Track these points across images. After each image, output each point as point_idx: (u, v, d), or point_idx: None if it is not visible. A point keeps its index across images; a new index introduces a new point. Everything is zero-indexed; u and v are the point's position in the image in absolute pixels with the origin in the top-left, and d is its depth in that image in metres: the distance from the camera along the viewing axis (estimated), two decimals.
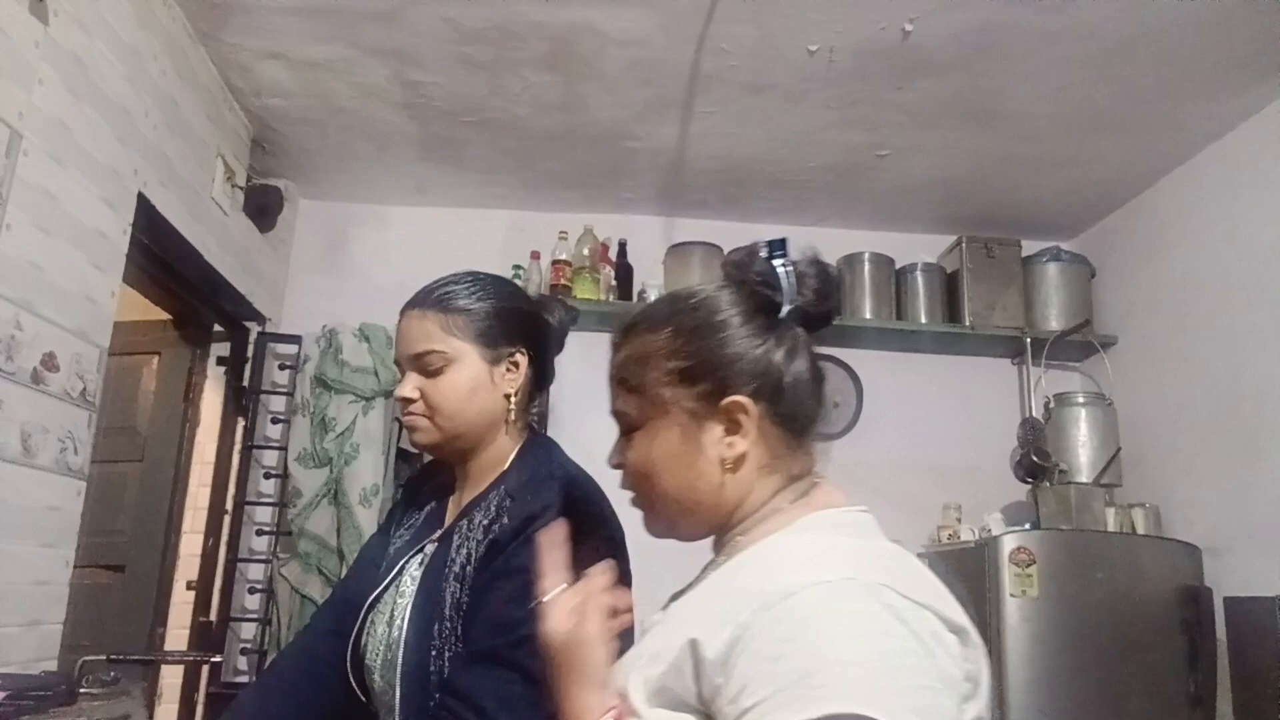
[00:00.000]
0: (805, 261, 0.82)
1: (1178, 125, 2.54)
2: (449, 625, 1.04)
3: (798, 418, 0.81)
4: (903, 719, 0.58)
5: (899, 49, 2.22)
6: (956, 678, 0.64)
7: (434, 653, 1.04)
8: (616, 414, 0.85)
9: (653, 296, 3.04)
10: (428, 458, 1.31)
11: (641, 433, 0.82)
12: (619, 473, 0.86)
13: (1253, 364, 2.42)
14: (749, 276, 0.81)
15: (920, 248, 3.24)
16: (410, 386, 1.15)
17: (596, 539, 1.05)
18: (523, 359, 1.18)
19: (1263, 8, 2.01)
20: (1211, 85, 2.34)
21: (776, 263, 0.80)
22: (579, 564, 0.85)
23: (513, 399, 1.17)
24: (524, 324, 1.20)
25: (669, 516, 0.83)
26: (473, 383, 1.15)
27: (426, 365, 1.14)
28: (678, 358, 0.80)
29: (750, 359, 0.79)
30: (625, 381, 0.83)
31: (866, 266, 3.14)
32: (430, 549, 1.16)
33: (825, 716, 0.57)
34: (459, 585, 1.06)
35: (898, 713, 0.58)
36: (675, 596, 0.85)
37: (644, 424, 0.82)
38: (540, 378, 1.23)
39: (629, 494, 0.86)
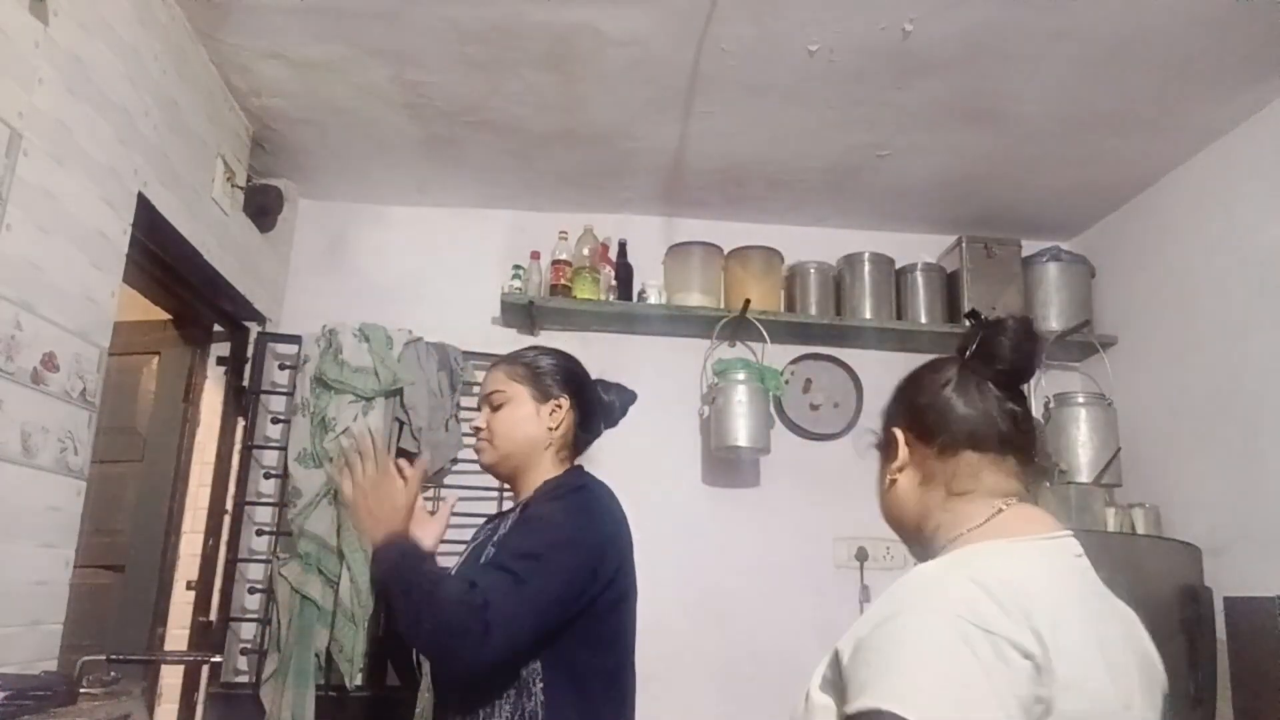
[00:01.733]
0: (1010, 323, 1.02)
1: (1178, 125, 2.54)
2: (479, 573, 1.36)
3: (940, 433, 0.99)
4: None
5: (899, 49, 2.22)
6: (1023, 697, 0.75)
7: None
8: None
9: (653, 297, 3.04)
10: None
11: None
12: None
13: (1252, 364, 2.42)
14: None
15: (920, 248, 3.23)
16: (482, 419, 1.53)
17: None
18: (565, 402, 1.53)
19: (1263, 8, 2.01)
20: (1211, 85, 2.34)
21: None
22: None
23: (554, 431, 1.51)
24: (569, 379, 1.55)
25: (902, 538, 1.06)
26: (522, 414, 1.50)
27: (493, 401, 1.52)
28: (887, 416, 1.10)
29: (919, 404, 1.04)
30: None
31: (866, 266, 3.14)
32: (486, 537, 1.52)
33: (871, 710, 0.74)
34: (495, 548, 1.39)
35: (928, 716, 0.72)
36: None
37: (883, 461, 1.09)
38: (585, 424, 1.56)
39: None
